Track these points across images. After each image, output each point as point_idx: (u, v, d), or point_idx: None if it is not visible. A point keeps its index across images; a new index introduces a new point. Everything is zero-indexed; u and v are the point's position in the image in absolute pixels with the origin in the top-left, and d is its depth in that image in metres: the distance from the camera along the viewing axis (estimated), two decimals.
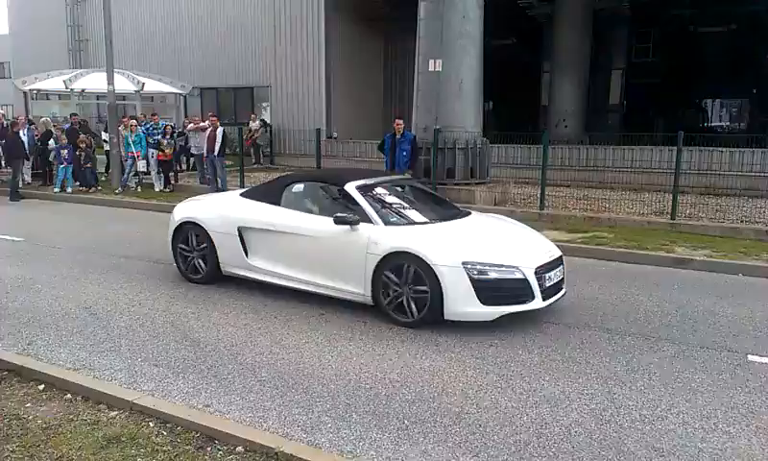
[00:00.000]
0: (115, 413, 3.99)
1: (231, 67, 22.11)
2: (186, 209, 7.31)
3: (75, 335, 5.40)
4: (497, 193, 12.65)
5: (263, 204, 6.74)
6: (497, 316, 5.46)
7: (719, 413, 4.08)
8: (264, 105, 21.96)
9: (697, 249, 8.80)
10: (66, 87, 17.40)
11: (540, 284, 5.54)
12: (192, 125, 15.37)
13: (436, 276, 5.38)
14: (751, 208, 11.12)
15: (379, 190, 6.61)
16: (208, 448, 3.60)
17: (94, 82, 17.39)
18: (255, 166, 19.02)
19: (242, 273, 6.71)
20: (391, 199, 6.65)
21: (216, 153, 13.57)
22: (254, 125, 19.88)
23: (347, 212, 6.00)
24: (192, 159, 16.70)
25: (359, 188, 6.30)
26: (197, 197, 8.43)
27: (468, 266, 5.38)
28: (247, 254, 6.62)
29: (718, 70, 27.81)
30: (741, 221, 10.46)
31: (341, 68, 20.20)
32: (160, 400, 4.14)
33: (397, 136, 11.48)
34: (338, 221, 5.90)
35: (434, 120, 12.27)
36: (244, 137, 17.25)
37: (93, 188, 14.69)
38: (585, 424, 3.91)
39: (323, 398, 4.25)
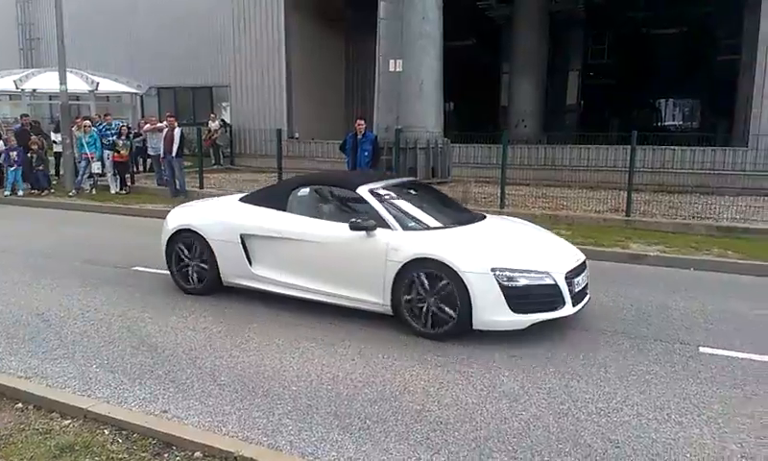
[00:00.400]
0: (69, 421, 3.88)
1: (190, 67, 21.79)
2: (182, 216, 6.87)
3: (26, 342, 5.23)
4: (459, 192, 12.73)
5: (267, 209, 6.35)
6: (528, 324, 5.24)
7: (672, 404, 4.20)
8: (224, 104, 21.72)
9: (651, 245, 9.06)
10: (17, 88, 16.89)
11: (570, 290, 5.35)
12: (149, 125, 15.06)
13: (464, 283, 5.11)
14: (702, 205, 11.47)
15: (391, 193, 6.26)
16: (165, 455, 3.53)
17: (46, 82, 16.94)
18: (215, 167, 18.77)
19: (245, 283, 6.32)
20: (404, 202, 6.27)
21: (174, 153, 13.35)
22: (214, 125, 19.60)
23: (359, 216, 5.68)
24: (149, 160, 16.39)
25: (372, 191, 6.01)
26: (189, 203, 7.99)
27: (498, 272, 5.12)
28: (251, 263, 6.24)
29: (671, 71, 28.69)
30: (693, 217, 10.79)
31: (302, 68, 20.07)
32: (116, 407, 4.04)
33: (359, 136, 11.49)
34: (354, 227, 5.57)
35: (395, 120, 12.34)
36: (203, 138, 17.02)
37: (46, 191, 14.28)
38: (543, 419, 3.98)
39: (284, 400, 4.21)
